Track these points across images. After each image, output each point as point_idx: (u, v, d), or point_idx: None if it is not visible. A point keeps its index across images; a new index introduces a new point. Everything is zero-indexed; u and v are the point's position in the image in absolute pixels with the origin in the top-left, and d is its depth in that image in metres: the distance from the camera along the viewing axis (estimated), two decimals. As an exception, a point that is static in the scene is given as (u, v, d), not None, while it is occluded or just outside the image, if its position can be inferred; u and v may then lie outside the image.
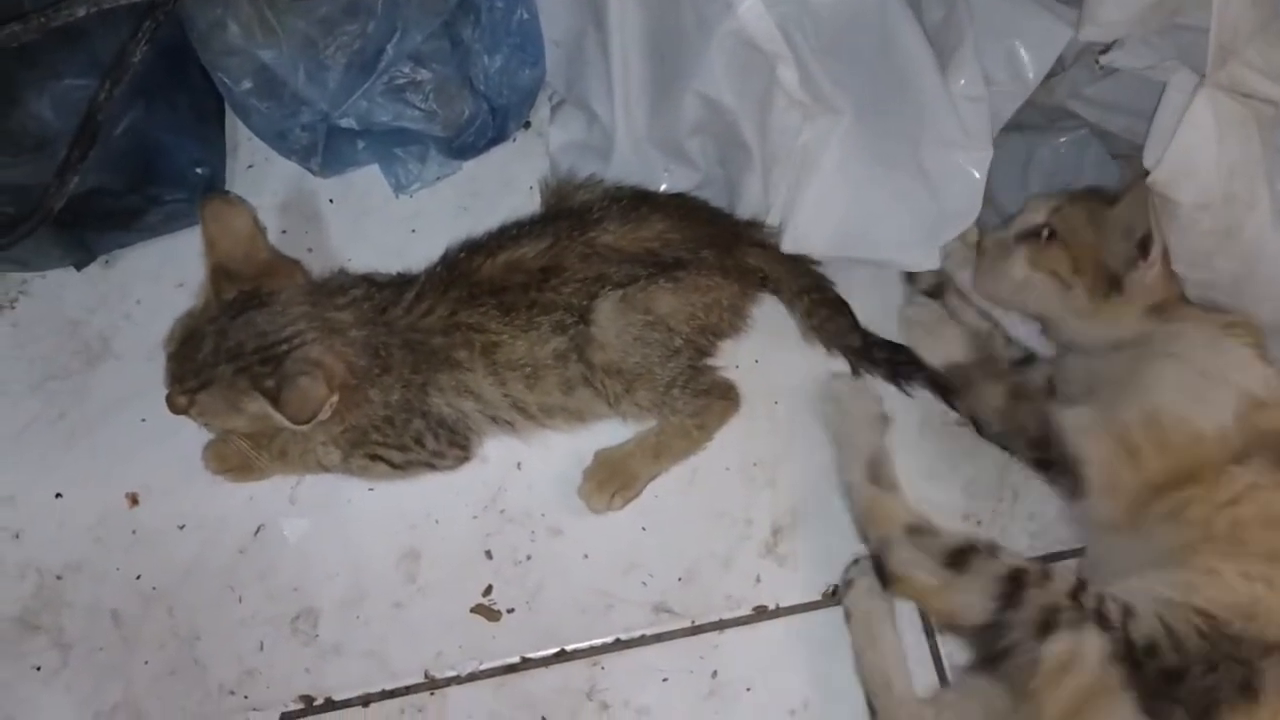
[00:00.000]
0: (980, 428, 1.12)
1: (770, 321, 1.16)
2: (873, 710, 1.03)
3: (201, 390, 0.98)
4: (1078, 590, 0.93)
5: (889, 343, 1.14)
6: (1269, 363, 1.00)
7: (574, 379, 1.05)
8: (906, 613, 1.07)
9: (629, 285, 1.04)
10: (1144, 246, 1.02)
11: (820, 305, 1.13)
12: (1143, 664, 0.89)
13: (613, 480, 1.10)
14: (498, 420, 1.07)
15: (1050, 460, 1.06)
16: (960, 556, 0.97)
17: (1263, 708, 0.88)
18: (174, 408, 0.99)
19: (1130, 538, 1.00)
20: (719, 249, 1.08)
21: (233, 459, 1.09)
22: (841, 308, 1.13)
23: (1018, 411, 1.08)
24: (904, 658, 1.05)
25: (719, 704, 1.06)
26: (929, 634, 1.08)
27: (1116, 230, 1.04)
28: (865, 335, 1.13)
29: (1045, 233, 1.08)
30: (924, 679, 1.06)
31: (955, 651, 1.05)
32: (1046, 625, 0.91)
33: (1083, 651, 0.90)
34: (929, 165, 1.07)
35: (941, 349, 1.13)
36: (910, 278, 1.18)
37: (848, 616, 1.07)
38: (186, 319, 1.02)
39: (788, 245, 1.10)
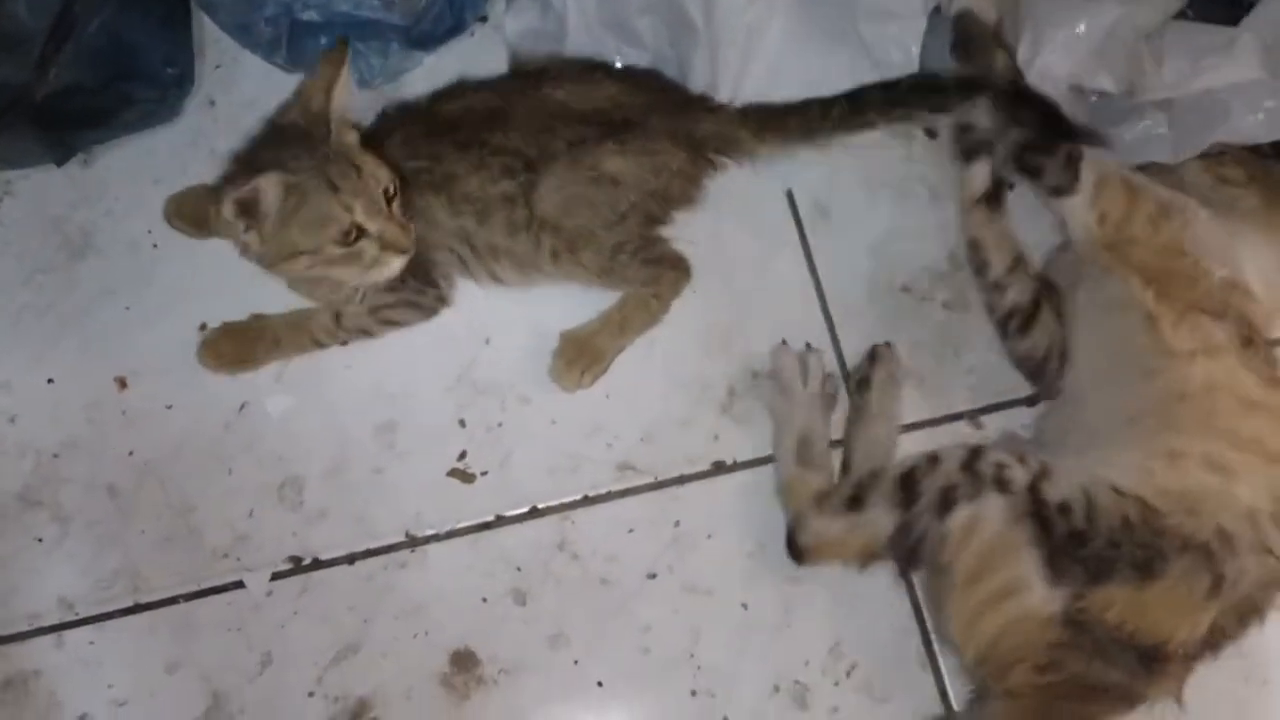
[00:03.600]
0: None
1: (726, 197, 1.22)
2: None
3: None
4: (971, 461, 0.99)
5: (871, 86, 1.14)
6: None
7: (518, 223, 1.11)
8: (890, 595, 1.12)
9: (577, 145, 1.09)
10: None
11: (790, 112, 1.16)
12: (1053, 522, 0.95)
13: (581, 358, 1.16)
14: (452, 251, 1.13)
15: (1046, 147, 1.09)
16: (857, 496, 1.03)
17: (1151, 590, 0.93)
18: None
19: (1096, 394, 1.07)
20: (668, 116, 1.14)
21: (228, 355, 1.15)
22: (804, 103, 1.15)
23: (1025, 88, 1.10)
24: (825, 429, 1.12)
25: (681, 550, 1.14)
26: (916, 611, 1.13)
27: None
28: (849, 95, 1.14)
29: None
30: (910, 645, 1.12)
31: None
32: (946, 503, 0.98)
33: (984, 515, 0.96)
34: (868, 36, 1.13)
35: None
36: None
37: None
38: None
39: None
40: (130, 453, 1.15)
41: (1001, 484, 0.97)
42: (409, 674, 1.10)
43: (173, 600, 1.12)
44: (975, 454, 0.99)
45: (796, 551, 1.07)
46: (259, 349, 1.15)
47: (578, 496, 1.15)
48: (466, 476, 1.16)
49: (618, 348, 1.17)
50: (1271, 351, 1.04)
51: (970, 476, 0.98)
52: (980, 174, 1.16)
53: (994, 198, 1.16)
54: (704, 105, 1.16)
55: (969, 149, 1.16)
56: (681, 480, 1.16)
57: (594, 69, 1.16)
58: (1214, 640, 0.95)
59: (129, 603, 1.11)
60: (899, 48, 1.12)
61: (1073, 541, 0.95)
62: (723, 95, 1.17)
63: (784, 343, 1.18)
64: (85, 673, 1.10)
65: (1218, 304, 1.03)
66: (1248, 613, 0.97)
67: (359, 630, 1.11)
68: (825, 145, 1.17)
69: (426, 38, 1.22)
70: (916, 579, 1.12)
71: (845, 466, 1.13)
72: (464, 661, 1.10)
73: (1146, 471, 0.98)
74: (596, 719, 1.10)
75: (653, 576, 1.13)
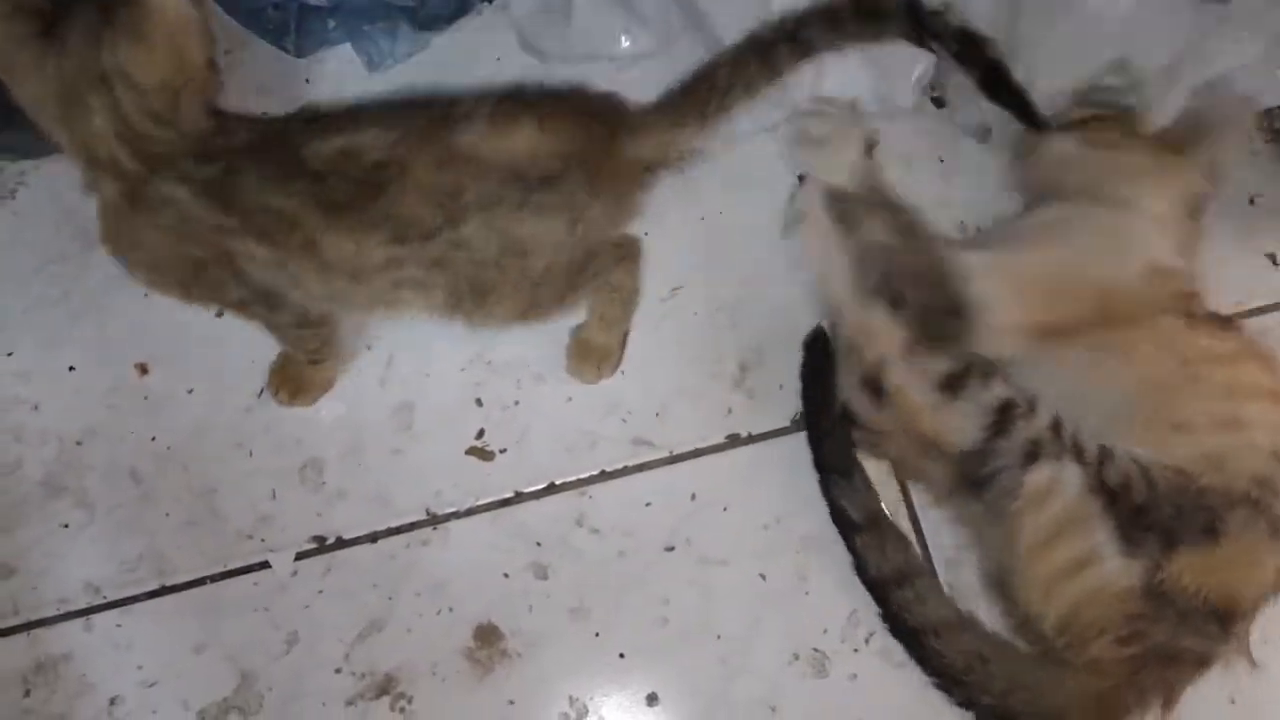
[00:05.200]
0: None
1: (734, 172, 1.24)
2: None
3: None
4: (1058, 424, 0.98)
5: (775, 34, 0.98)
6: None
7: (405, 281, 0.97)
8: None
9: (489, 207, 0.93)
10: None
11: (695, 96, 1.00)
12: (1119, 496, 0.95)
13: (591, 355, 1.17)
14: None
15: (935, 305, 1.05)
16: (955, 381, 1.00)
17: (1220, 550, 0.94)
18: None
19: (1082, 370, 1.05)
20: (591, 159, 0.97)
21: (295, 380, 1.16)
22: (709, 77, 1.00)
23: (907, 249, 1.06)
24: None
25: (698, 523, 1.15)
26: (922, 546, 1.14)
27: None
28: (756, 49, 0.99)
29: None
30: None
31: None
32: (1031, 455, 0.96)
33: (1062, 480, 0.96)
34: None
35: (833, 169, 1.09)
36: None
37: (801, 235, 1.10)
38: None
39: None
40: (152, 438, 1.17)
41: (1079, 452, 0.97)
42: (434, 649, 1.11)
43: (198, 582, 1.13)
44: (1059, 420, 0.98)
45: (880, 392, 1.03)
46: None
47: (595, 472, 1.17)
48: (485, 454, 1.17)
49: (618, 338, 1.18)
50: (1213, 314, 1.06)
51: (1056, 437, 0.97)
52: None
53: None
54: (629, 125, 1.00)
55: None
56: (696, 454, 1.17)
57: (513, 105, 0.96)
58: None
59: (155, 585, 1.13)
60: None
61: (1140, 514, 0.95)
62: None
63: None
64: (114, 655, 1.11)
65: (1150, 296, 1.03)
66: None
67: (383, 607, 1.12)
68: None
69: (434, 19, 1.22)
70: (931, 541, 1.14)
71: None
72: (487, 636, 1.12)
73: (1164, 445, 0.98)
74: (618, 689, 1.11)
75: (670, 549, 1.15)
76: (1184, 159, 1.08)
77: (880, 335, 1.04)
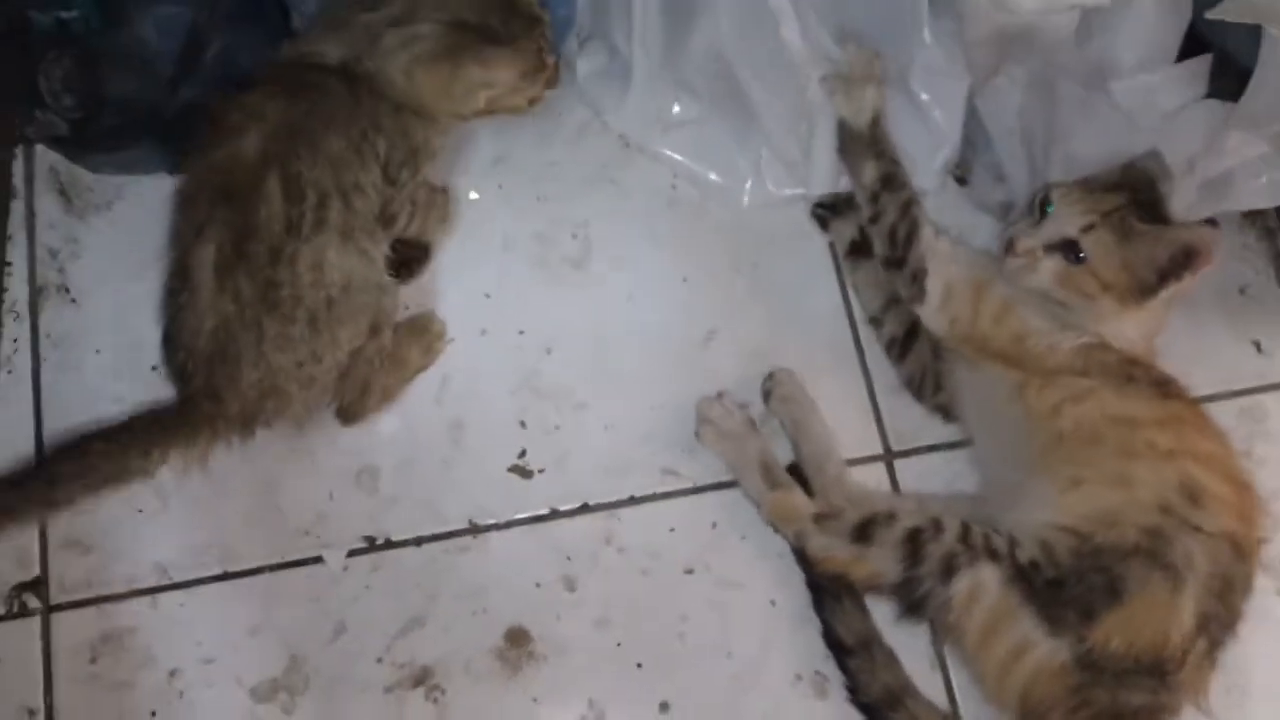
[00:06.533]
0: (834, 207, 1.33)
1: (771, 233, 1.36)
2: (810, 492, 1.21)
3: None
4: (965, 534, 1.09)
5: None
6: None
7: None
8: (916, 646, 1.20)
9: None
10: (1185, 259, 1.08)
11: None
12: (1032, 579, 1.05)
13: None
14: None
15: (898, 259, 1.20)
16: (864, 531, 1.11)
17: (1128, 607, 1.03)
18: None
19: (995, 462, 1.20)
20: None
21: None
22: None
23: (886, 200, 1.21)
24: (834, 444, 1.24)
25: (718, 550, 1.25)
26: (942, 668, 1.21)
27: (1157, 245, 1.09)
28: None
29: (1075, 256, 1.12)
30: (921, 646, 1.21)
31: (967, 688, 1.18)
32: (948, 570, 1.07)
33: (982, 582, 1.06)
34: (921, 93, 1.24)
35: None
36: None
37: (775, 416, 1.26)
38: None
39: (815, 187, 1.31)
40: (224, 438, 1.27)
41: (991, 553, 1.07)
42: (468, 647, 1.21)
43: (257, 571, 1.23)
44: (966, 527, 1.09)
45: (810, 560, 1.17)
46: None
47: (625, 496, 1.27)
48: (525, 473, 1.27)
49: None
50: (1159, 371, 1.14)
51: (966, 547, 1.07)
52: (840, 231, 1.33)
53: (860, 248, 1.29)
54: None
55: (820, 219, 1.35)
56: (720, 486, 1.27)
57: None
58: (1206, 628, 1.03)
59: (218, 571, 1.23)
60: (948, 101, 1.24)
61: (1053, 590, 1.04)
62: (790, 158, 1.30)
63: (720, 395, 1.27)
64: (176, 631, 1.21)
65: (1079, 367, 1.13)
66: (1223, 591, 1.04)
67: (424, 606, 1.22)
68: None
69: (504, 74, 1.34)
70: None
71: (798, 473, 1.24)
72: (517, 638, 1.21)
73: (1060, 504, 1.08)
74: (634, 696, 1.20)
75: (690, 572, 1.24)
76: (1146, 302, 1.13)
77: (791, 514, 1.18)
